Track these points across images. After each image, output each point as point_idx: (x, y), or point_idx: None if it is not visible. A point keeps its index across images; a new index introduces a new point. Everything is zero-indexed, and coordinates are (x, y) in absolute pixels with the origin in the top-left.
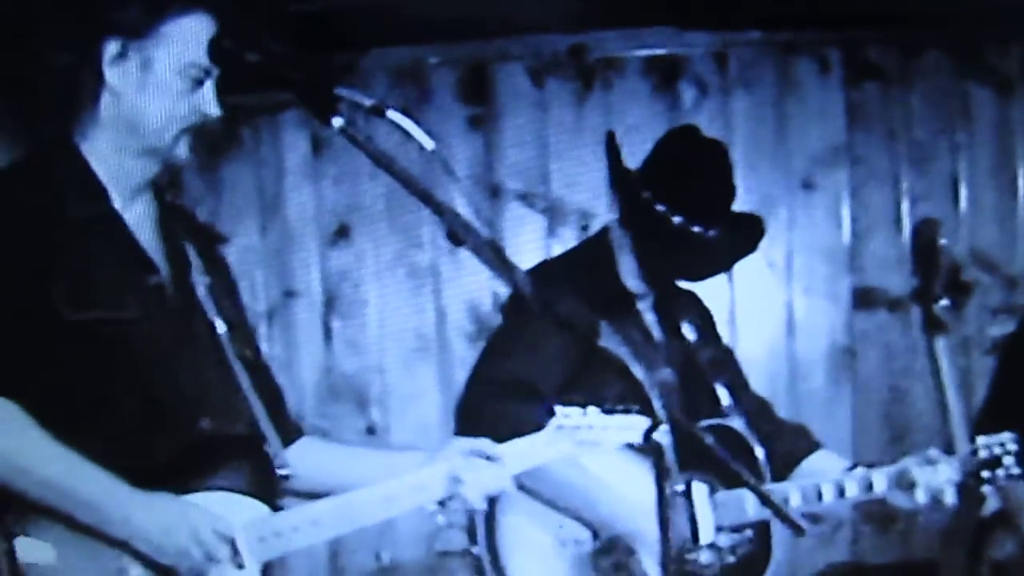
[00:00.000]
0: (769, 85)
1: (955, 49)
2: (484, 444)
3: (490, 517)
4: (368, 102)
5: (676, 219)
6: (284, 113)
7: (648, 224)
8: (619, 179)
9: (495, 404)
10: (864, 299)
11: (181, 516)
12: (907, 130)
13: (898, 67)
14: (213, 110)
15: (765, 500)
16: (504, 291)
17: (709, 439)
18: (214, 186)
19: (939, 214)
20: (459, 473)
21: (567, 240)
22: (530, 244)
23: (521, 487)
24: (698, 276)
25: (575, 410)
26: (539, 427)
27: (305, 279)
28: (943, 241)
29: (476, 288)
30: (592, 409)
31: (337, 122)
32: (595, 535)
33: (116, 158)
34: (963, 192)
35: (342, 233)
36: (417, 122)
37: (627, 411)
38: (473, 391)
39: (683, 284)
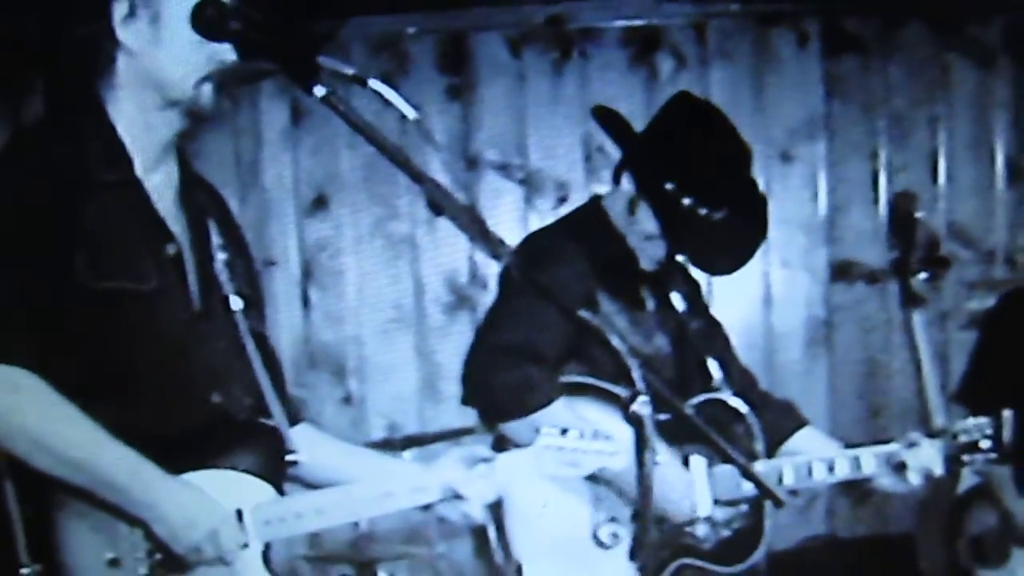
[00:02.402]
0: (747, 57)
1: (936, 20)
2: (478, 450)
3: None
4: (350, 71)
5: (686, 200)
6: (263, 82)
7: (658, 203)
8: (632, 153)
9: (501, 372)
10: (841, 272)
11: (206, 514)
12: (885, 102)
13: (877, 38)
14: (230, 55)
15: (744, 471)
16: (483, 262)
17: (689, 410)
18: (192, 155)
19: (917, 187)
20: (457, 485)
21: (544, 211)
22: (507, 215)
23: None
24: (711, 266)
25: (556, 432)
26: (548, 394)
27: (283, 249)
28: (920, 214)
29: (453, 259)
30: (572, 432)
31: (319, 91)
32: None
33: (140, 117)
34: (941, 165)
35: (320, 203)
36: (396, 91)
37: (607, 436)
38: (478, 360)
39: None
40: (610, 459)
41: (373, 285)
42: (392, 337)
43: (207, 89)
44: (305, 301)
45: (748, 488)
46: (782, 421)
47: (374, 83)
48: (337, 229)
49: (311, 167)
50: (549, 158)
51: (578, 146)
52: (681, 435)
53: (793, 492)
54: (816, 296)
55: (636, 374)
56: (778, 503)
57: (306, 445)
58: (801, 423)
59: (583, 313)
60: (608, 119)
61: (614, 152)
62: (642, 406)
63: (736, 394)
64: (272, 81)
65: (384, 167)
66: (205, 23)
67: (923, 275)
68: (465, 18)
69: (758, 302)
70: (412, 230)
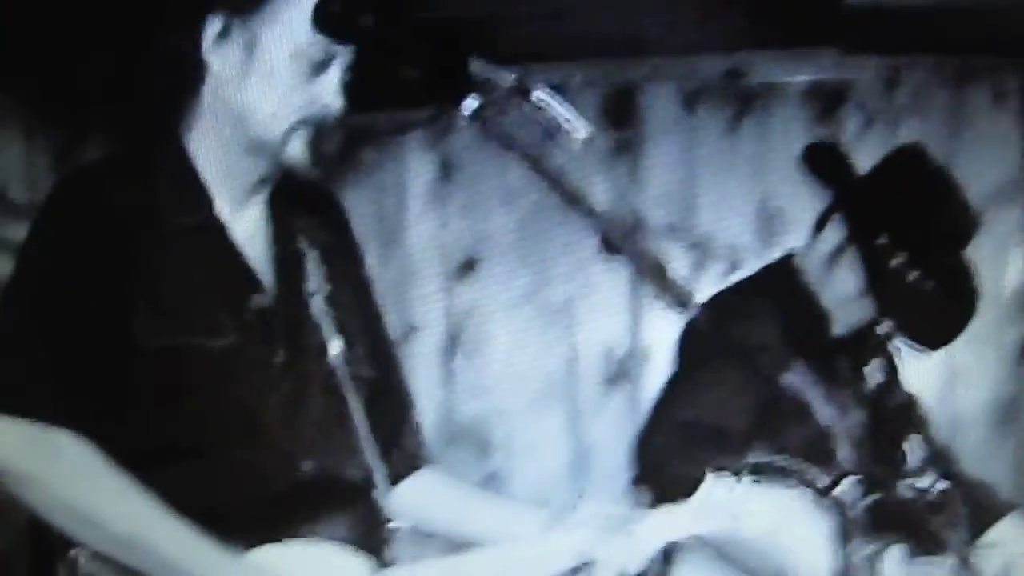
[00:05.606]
0: (940, 114)
1: None
2: (622, 512)
3: None
4: (509, 78)
5: (898, 257)
6: (410, 133)
7: (867, 255)
8: (849, 194)
9: (681, 454)
10: None
11: None
12: None
13: None
14: (335, 102)
15: (965, 564)
16: (643, 334)
17: (908, 495)
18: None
19: None
20: (590, 548)
21: (714, 278)
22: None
23: None
24: (922, 335)
25: (727, 480)
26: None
27: (427, 314)
28: None
29: (612, 329)
30: (746, 479)
31: (470, 104)
32: None
33: (222, 155)
34: None
35: (469, 266)
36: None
37: (786, 474)
38: (654, 439)
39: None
40: (795, 510)
41: (523, 355)
42: (541, 411)
43: (298, 141)
44: (449, 370)
45: None
46: (986, 507)
47: (540, 93)
48: (486, 294)
49: (460, 227)
50: (721, 222)
51: (753, 209)
52: (880, 524)
53: None
54: (1005, 374)
55: (842, 454)
56: None
57: (427, 493)
58: (1007, 509)
59: (787, 382)
60: (823, 156)
61: (795, 216)
62: (849, 490)
63: (939, 477)
64: (421, 132)
65: (540, 228)
66: (330, 19)
67: None
68: (636, 68)
69: (942, 379)
70: (568, 297)
